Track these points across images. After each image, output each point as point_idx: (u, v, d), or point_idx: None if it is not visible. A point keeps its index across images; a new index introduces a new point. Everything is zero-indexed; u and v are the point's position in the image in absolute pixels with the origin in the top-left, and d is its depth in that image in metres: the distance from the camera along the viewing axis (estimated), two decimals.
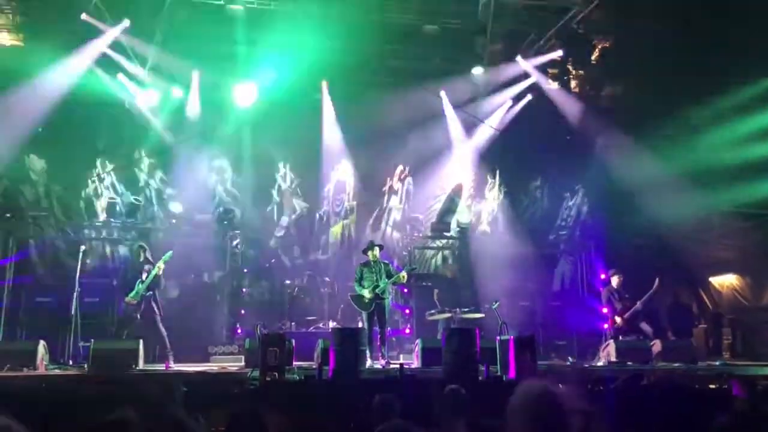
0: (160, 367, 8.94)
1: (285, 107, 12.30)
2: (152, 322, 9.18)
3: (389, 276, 9.58)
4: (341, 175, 13.89)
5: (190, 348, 10.05)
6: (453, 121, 13.65)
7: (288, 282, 12.24)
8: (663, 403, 6.53)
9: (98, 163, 12.56)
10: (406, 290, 11.94)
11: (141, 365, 8.56)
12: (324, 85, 12.95)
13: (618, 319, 10.35)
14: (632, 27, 12.09)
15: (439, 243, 13.80)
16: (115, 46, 11.39)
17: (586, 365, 9.73)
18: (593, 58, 13.17)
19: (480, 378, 7.36)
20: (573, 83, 13.76)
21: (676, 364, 9.27)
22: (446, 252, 13.88)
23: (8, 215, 11.17)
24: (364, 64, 12.37)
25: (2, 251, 10.91)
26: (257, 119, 12.42)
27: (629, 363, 9.18)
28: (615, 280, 10.70)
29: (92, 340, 8.73)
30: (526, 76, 13.05)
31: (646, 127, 12.31)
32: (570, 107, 13.17)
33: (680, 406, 6.26)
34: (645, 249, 12.42)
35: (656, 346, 9.84)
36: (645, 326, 10.28)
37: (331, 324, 10.98)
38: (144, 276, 9.16)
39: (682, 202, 11.85)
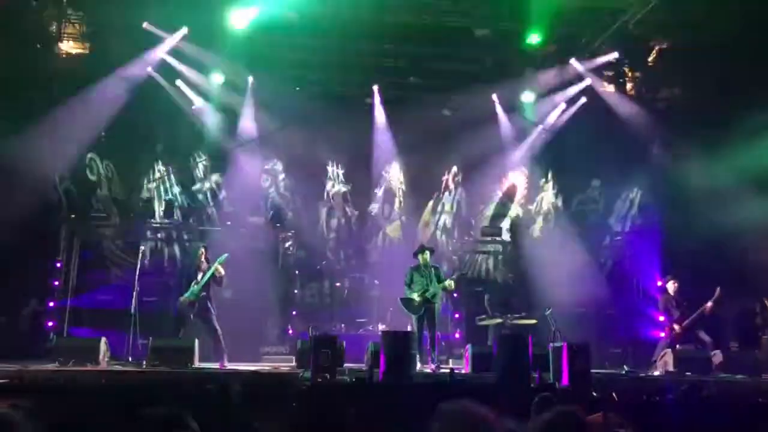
0: (215, 365, 9.15)
1: (337, 111, 12.44)
2: (207, 322, 9.38)
3: (440, 280, 9.56)
4: (392, 178, 13.94)
5: (243, 348, 10.22)
6: (505, 123, 13.53)
7: (338, 284, 12.35)
8: (724, 417, 6.30)
9: (157, 165, 12.98)
10: (456, 295, 11.88)
11: (196, 363, 8.79)
12: (375, 88, 13.03)
13: (676, 327, 10.04)
14: (691, 27, 11.73)
15: (490, 247, 13.66)
16: (175, 53, 11.74)
17: (642, 374, 9.46)
18: (650, 59, 12.83)
19: (532, 385, 7.26)
20: (629, 86, 13.45)
21: (739, 376, 8.93)
22: (498, 256, 13.73)
23: (72, 216, 11.63)
24: (415, 68, 12.41)
25: (66, 251, 11.36)
26: (310, 123, 12.58)
27: (688, 373, 8.89)
28: (671, 287, 10.38)
29: (150, 337, 9.03)
30: (580, 78, 12.83)
31: (705, 130, 11.91)
32: (626, 110, 12.86)
33: (742, 419, 6.02)
34: (704, 256, 11.98)
35: (717, 356, 9.49)
36: (703, 335, 9.94)
37: (381, 327, 11.01)
38: (200, 277, 9.37)
39: (744, 208, 11.40)
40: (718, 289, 9.86)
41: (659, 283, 11.74)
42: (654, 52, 12.65)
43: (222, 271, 9.35)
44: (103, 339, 8.94)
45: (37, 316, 10.90)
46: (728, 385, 8.38)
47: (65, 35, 11.88)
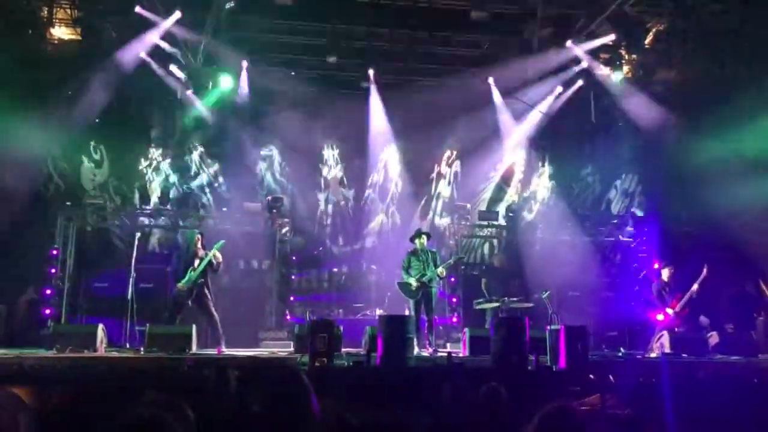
0: (212, 351, 9.16)
1: (333, 95, 12.38)
2: (204, 308, 9.38)
3: (436, 264, 9.57)
4: (388, 162, 13.91)
5: (241, 333, 10.24)
6: (502, 107, 13.47)
7: (335, 269, 12.36)
8: (720, 397, 6.33)
9: (152, 151, 12.92)
10: (453, 279, 11.90)
11: (194, 349, 8.79)
12: (371, 72, 12.94)
13: (670, 311, 10.07)
14: (689, 8, 11.64)
15: (487, 231, 13.66)
16: (167, 37, 11.63)
17: (639, 356, 9.50)
18: (647, 41, 12.73)
19: (529, 368, 7.29)
20: (626, 68, 13.37)
21: (735, 357, 8.97)
22: (494, 240, 13.74)
23: (68, 203, 11.59)
24: (411, 51, 12.33)
25: (63, 239, 11.32)
26: (306, 108, 12.53)
27: (684, 355, 8.93)
28: (665, 273, 10.38)
29: (147, 324, 9.02)
30: (576, 61, 12.75)
31: (703, 111, 11.87)
32: (622, 92, 12.80)
33: (739, 400, 6.06)
34: (701, 238, 12.00)
35: (713, 338, 9.53)
36: (703, 319, 9.97)
37: (378, 311, 11.04)
38: (197, 263, 9.35)
39: (742, 190, 11.39)
40: (706, 267, 9.87)
41: (656, 266, 11.75)
42: (651, 33, 12.55)
43: (219, 257, 9.35)
44: (101, 326, 8.92)
45: (35, 303, 10.89)
46: (724, 366, 8.42)
47: (56, 20, 11.76)
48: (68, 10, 11.78)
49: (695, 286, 9.86)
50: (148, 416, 2.20)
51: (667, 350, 9.25)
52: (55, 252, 11.09)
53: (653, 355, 9.52)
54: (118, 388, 5.56)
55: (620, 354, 9.78)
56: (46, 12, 11.63)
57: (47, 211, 11.46)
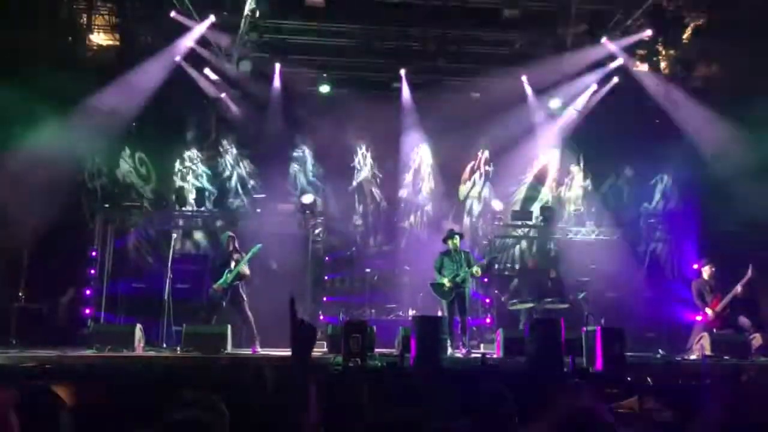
0: (247, 351, 9.25)
1: (365, 96, 12.40)
2: (239, 308, 9.49)
3: (470, 265, 9.50)
4: (420, 162, 13.86)
5: (274, 333, 10.29)
6: (535, 106, 13.30)
7: (368, 270, 12.37)
8: (765, 400, 6.15)
9: (187, 154, 13.12)
10: (486, 279, 11.81)
11: (229, 349, 8.90)
12: (402, 72, 12.92)
13: (709, 312, 9.82)
14: (727, 2, 11.35)
15: (520, 231, 13.51)
16: (202, 41, 11.80)
17: (678, 359, 9.29)
18: (685, 37, 12.43)
19: (565, 370, 7.19)
20: (663, 64, 13.05)
21: None
22: (528, 241, 13.58)
23: (106, 206, 11.85)
24: (443, 51, 12.27)
25: (101, 240, 11.57)
26: (338, 109, 12.57)
27: (726, 357, 8.70)
28: (706, 272, 10.12)
29: (183, 324, 9.16)
30: (612, 58, 12.52)
31: (743, 108, 11.54)
32: (659, 90, 12.53)
33: None
34: (743, 238, 11.67)
35: (756, 340, 9.26)
36: (743, 320, 9.68)
37: (411, 312, 11.01)
38: (232, 265, 9.47)
39: None
40: (750, 267, 9.59)
41: (695, 266, 11.48)
42: (689, 28, 12.26)
43: (247, 273, 9.43)
44: (138, 326, 9.10)
45: (75, 303, 11.15)
46: None
47: (95, 27, 12.04)
48: (106, 17, 12.06)
49: (739, 287, 9.59)
50: (188, 418, 2.22)
51: (708, 352, 9.03)
52: (93, 253, 11.35)
53: (693, 356, 9.31)
54: (156, 387, 5.64)
55: (659, 356, 9.58)
56: (85, 19, 11.91)
57: (86, 212, 11.73)
